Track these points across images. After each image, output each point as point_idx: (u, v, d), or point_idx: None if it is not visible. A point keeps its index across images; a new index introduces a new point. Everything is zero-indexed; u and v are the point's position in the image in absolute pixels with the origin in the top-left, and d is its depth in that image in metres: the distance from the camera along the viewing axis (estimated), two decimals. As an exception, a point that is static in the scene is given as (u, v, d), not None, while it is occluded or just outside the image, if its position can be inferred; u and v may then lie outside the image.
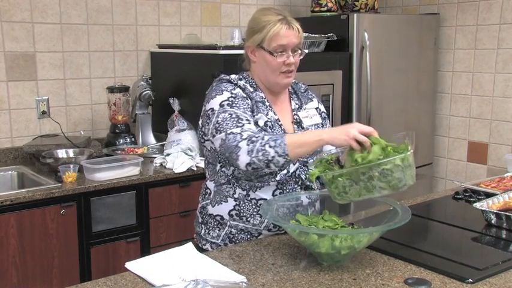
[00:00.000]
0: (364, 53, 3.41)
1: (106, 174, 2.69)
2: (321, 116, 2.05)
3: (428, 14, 3.91)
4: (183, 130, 3.09)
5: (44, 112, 3.16)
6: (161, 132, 3.36)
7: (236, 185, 1.89)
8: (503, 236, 1.91)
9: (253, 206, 1.88)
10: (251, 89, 1.93)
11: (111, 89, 3.25)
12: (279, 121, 1.91)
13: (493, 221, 1.98)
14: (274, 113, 1.92)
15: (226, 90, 1.86)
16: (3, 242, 2.43)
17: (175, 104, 3.18)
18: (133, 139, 3.30)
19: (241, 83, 1.92)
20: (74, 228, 2.61)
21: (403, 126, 3.74)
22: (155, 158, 3.03)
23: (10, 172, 2.90)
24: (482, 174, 3.77)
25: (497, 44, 3.65)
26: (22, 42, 3.07)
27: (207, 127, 1.86)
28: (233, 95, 1.85)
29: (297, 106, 2.01)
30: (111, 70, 3.39)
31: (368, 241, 1.60)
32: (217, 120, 1.81)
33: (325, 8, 3.73)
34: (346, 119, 3.47)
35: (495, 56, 3.66)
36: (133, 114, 3.34)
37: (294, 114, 1.98)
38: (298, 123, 1.97)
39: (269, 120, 1.88)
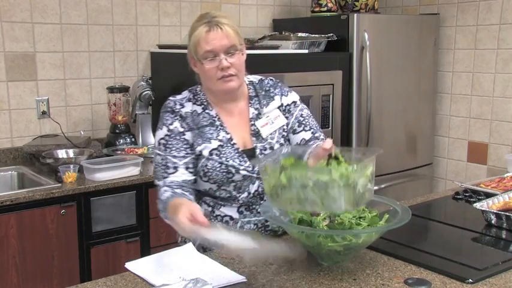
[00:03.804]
0: (364, 53, 3.41)
1: (106, 175, 2.69)
2: (285, 111, 1.89)
3: (428, 14, 3.91)
4: (183, 130, 3.08)
5: (44, 112, 3.16)
6: (161, 132, 3.35)
7: (201, 201, 1.86)
8: (503, 236, 1.91)
9: (220, 223, 1.83)
10: (200, 110, 1.82)
11: (111, 89, 3.25)
12: (231, 140, 1.81)
13: (493, 221, 1.98)
14: (226, 132, 1.81)
15: (165, 125, 1.81)
16: (3, 242, 2.43)
17: (175, 104, 3.18)
18: (133, 139, 3.30)
19: (187, 107, 1.82)
20: (74, 228, 2.61)
21: (403, 126, 3.74)
22: (155, 158, 3.02)
23: (10, 172, 2.90)
24: (482, 175, 3.77)
25: (497, 44, 3.64)
26: (22, 42, 3.07)
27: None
28: (169, 133, 1.80)
29: (255, 114, 1.86)
30: (111, 70, 3.39)
31: (368, 241, 1.60)
32: (155, 159, 1.83)
33: (325, 8, 3.73)
34: (346, 119, 3.46)
35: (495, 56, 3.66)
36: (133, 115, 3.34)
37: (252, 125, 1.85)
38: (257, 135, 1.84)
39: (220, 142, 1.79)
